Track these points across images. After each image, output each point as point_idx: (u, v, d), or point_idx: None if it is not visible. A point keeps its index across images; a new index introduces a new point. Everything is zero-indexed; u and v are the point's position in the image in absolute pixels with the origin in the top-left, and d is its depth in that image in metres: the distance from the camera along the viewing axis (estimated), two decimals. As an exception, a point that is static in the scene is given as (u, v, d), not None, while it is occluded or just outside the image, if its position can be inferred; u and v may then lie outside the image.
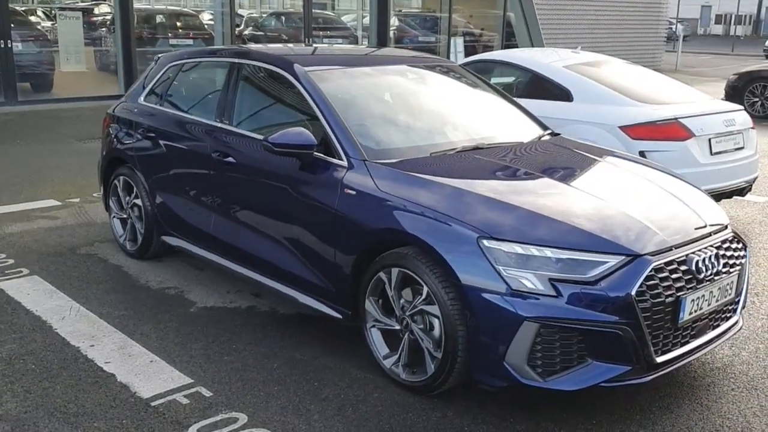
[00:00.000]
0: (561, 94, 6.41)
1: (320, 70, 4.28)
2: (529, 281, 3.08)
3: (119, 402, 3.40)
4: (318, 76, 4.19)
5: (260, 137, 4.09)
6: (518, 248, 3.12)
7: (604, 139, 5.98)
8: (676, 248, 3.28)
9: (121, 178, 5.38)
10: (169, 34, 16.89)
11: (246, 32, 20.06)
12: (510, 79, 6.98)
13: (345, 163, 3.77)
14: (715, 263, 3.37)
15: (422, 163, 3.80)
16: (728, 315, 3.60)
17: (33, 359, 3.79)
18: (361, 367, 3.73)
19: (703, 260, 3.31)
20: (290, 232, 4.00)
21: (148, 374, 3.66)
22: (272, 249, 4.13)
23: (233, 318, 4.36)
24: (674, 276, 3.19)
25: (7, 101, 12.50)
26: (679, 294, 3.18)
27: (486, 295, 3.11)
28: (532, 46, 18.52)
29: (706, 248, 3.38)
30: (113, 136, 5.49)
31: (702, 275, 3.29)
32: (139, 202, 5.20)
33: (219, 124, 4.55)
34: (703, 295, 3.30)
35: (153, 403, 3.39)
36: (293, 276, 4.02)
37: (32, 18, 14.92)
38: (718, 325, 3.52)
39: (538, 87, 6.60)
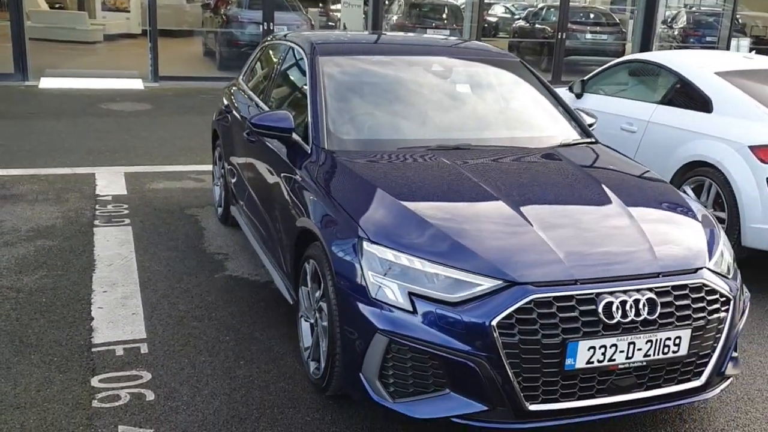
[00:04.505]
0: (701, 103, 5.54)
1: (336, 57, 4.23)
2: (391, 291, 2.81)
3: (68, 342, 3.76)
4: (330, 62, 4.15)
5: None
6: (390, 254, 2.86)
7: (730, 159, 5.09)
8: (582, 283, 2.76)
9: (218, 148, 5.82)
10: (434, 24, 17.79)
11: (516, 24, 20.43)
12: (657, 83, 6.20)
13: (309, 149, 3.73)
14: (644, 310, 2.77)
15: (374, 157, 3.61)
16: (684, 377, 2.94)
17: (50, 294, 4.32)
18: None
19: (622, 303, 2.75)
20: (273, 212, 4.06)
21: (119, 323, 3.99)
22: (267, 226, 4.22)
23: (242, 290, 4.53)
24: (564, 314, 2.70)
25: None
26: (567, 336, 2.68)
27: (352, 300, 2.91)
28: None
29: (635, 290, 2.79)
30: (217, 110, 5.95)
31: (614, 321, 2.73)
32: (223, 171, 5.59)
33: (254, 103, 4.73)
34: (616, 345, 2.74)
35: (94, 350, 3.70)
36: (275, 256, 4.08)
37: (300, 4, 16.42)
38: (659, 386, 2.89)
39: (680, 94, 5.77)
